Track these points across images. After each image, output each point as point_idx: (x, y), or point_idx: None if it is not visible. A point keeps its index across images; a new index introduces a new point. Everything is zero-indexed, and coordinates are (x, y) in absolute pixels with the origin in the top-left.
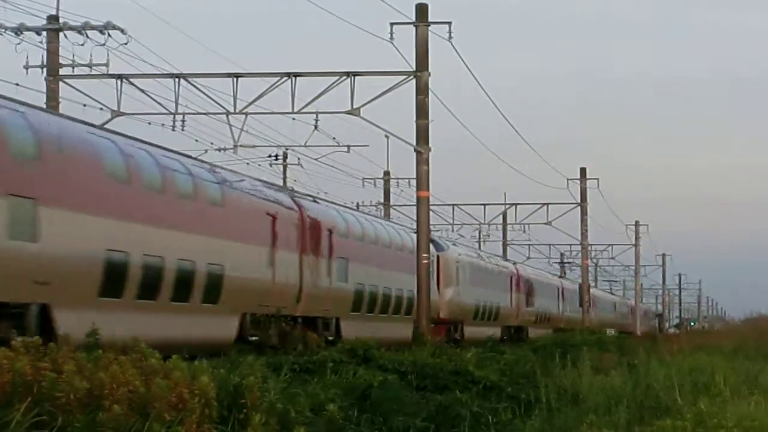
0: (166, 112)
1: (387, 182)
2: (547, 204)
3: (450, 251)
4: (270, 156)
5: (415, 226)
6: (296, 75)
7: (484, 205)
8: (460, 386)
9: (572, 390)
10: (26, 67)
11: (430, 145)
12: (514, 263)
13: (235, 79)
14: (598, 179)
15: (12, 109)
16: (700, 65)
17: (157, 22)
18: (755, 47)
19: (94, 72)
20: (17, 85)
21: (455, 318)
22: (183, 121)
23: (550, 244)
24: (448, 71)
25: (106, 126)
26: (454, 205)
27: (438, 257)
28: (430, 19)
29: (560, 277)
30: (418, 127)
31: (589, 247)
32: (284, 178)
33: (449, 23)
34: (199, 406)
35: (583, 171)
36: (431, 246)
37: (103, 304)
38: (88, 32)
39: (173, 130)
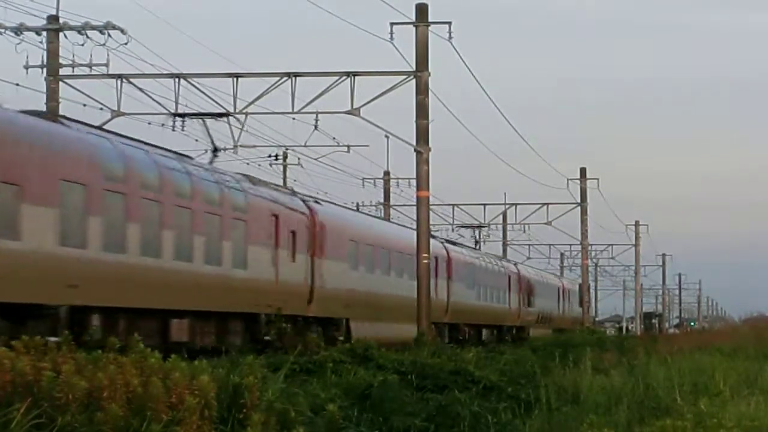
0: (166, 112)
1: (387, 182)
2: (547, 204)
3: None
4: (270, 156)
5: (415, 226)
6: (296, 75)
7: (484, 205)
8: (460, 386)
9: (572, 390)
10: (26, 67)
11: (430, 145)
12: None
13: (235, 79)
14: (598, 179)
15: None
16: (700, 67)
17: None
18: (755, 49)
19: (94, 72)
20: (17, 85)
21: None
22: (183, 121)
23: (550, 244)
24: (448, 71)
25: (105, 126)
26: (454, 205)
27: None
28: (430, 19)
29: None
30: (418, 127)
31: (589, 247)
32: (284, 178)
33: (449, 23)
34: (199, 407)
35: (583, 171)
36: None
37: None
38: (88, 32)
39: (173, 130)
